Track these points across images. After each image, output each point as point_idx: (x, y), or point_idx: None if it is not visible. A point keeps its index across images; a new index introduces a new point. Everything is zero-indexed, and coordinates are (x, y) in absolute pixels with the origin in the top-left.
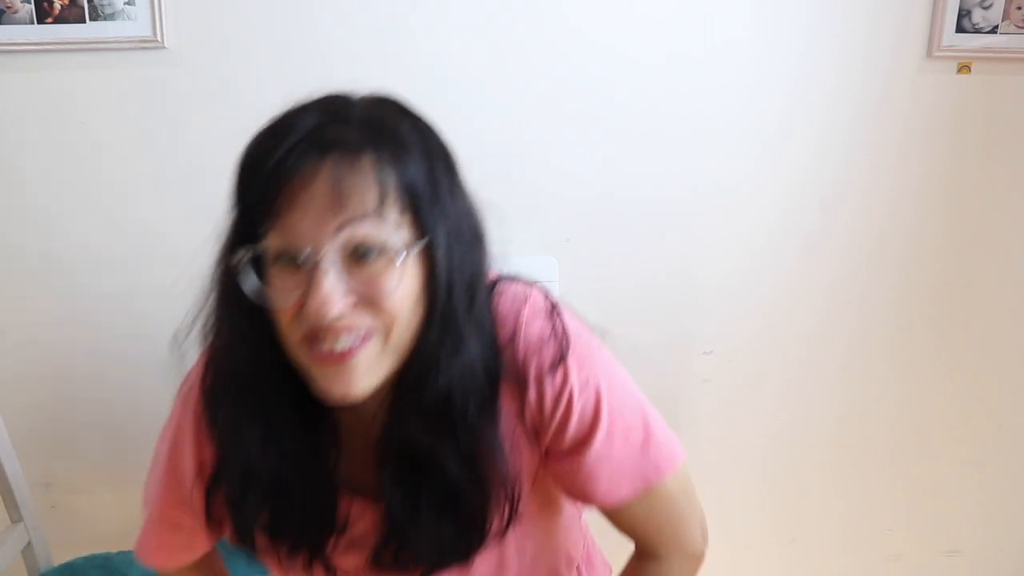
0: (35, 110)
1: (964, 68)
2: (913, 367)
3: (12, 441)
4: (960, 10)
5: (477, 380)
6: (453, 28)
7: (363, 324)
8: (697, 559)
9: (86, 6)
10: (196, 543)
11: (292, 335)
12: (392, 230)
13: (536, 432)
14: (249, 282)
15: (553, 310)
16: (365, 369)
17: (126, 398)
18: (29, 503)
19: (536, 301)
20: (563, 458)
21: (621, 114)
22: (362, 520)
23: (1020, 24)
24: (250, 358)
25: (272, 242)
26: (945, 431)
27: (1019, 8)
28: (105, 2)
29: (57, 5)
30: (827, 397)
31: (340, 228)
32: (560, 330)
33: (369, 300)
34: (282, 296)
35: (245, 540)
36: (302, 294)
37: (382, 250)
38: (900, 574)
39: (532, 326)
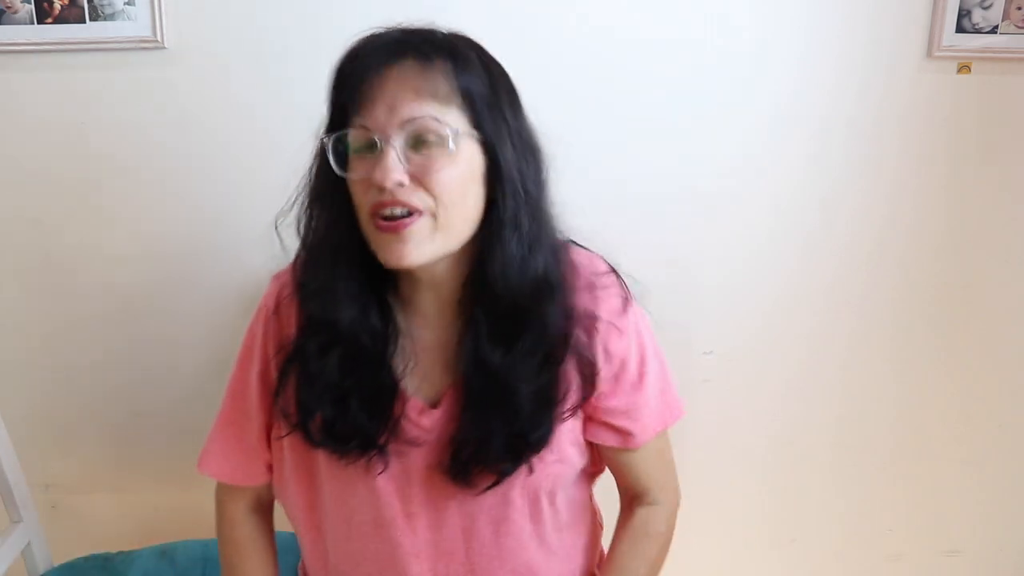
0: (35, 110)
1: (964, 68)
2: (913, 367)
3: (12, 442)
4: (960, 10)
5: (560, 266)
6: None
7: (415, 201)
8: (678, 505)
9: (86, 6)
10: (251, 463)
11: (363, 207)
12: (448, 123)
13: (592, 373)
14: (335, 158)
15: (612, 268)
16: (416, 242)
17: (126, 399)
18: (29, 504)
19: (602, 260)
20: (622, 397)
21: (620, 114)
22: (419, 422)
23: (1020, 24)
24: (336, 231)
25: (354, 132)
26: (945, 431)
27: (1019, 8)
28: (105, 2)
29: (57, 5)
30: (827, 397)
31: (405, 119)
32: (623, 282)
33: (421, 179)
34: (357, 172)
35: (305, 421)
36: (372, 173)
37: (437, 140)
38: (900, 574)
39: (607, 273)
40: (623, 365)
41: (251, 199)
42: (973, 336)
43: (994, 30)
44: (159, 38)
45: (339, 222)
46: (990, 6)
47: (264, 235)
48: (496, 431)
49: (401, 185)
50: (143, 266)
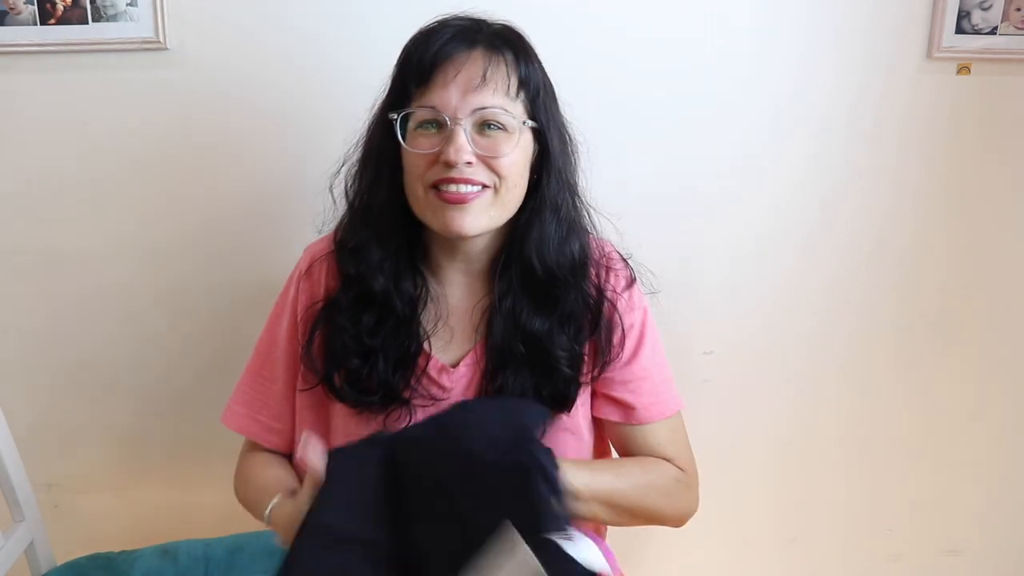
0: (37, 111)
1: (964, 69)
2: (913, 367)
3: (15, 441)
4: (960, 11)
5: (589, 247)
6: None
7: (481, 177)
8: (696, 480)
9: (88, 7)
10: (269, 419)
11: (423, 181)
12: (514, 113)
13: (596, 348)
14: (401, 133)
15: (619, 252)
16: (475, 213)
17: (129, 399)
18: (32, 503)
19: (609, 243)
20: (618, 369)
21: (619, 114)
22: (438, 379)
23: (1019, 25)
24: (384, 198)
25: (422, 110)
26: (945, 431)
27: (1018, 9)
28: (107, 3)
29: (60, 6)
30: (827, 397)
31: (478, 104)
32: (628, 264)
33: (487, 160)
34: (422, 149)
35: (331, 373)
36: (439, 150)
37: (504, 126)
38: (900, 574)
39: (614, 254)
40: (623, 336)
41: (254, 200)
42: (973, 336)
43: (993, 31)
44: (161, 39)
45: (388, 190)
46: (989, 7)
47: (267, 235)
48: (530, 390)
49: (469, 164)
50: (145, 267)
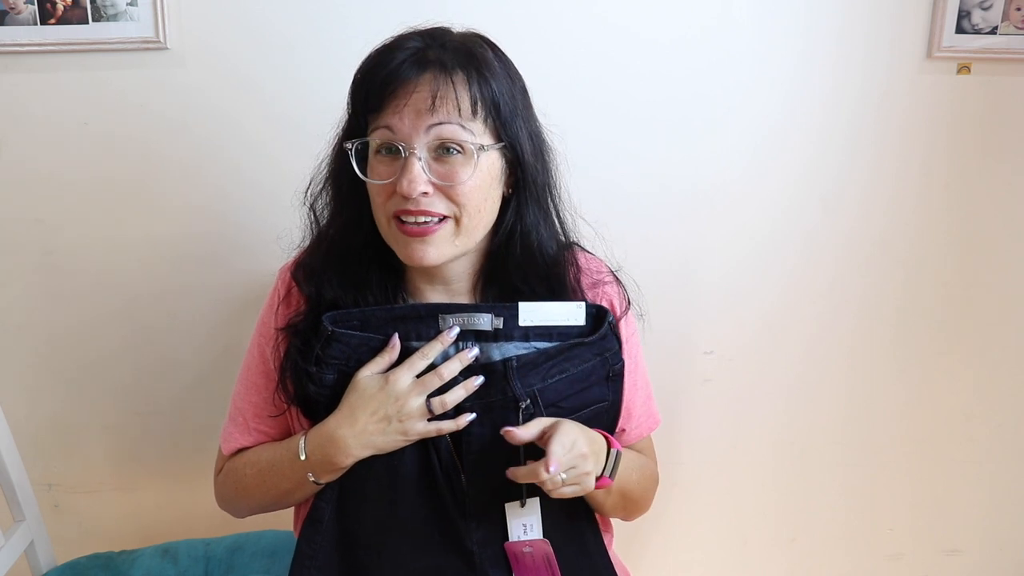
0: (38, 111)
1: (964, 69)
2: (913, 367)
3: (15, 441)
4: (960, 11)
5: (558, 250)
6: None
7: (439, 209)
8: (657, 484)
9: (89, 7)
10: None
11: (384, 212)
12: (473, 134)
13: None
14: (358, 164)
15: (614, 273)
16: (438, 244)
17: (129, 399)
18: (32, 503)
19: (605, 264)
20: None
21: (620, 114)
22: None
23: (1019, 25)
24: (347, 228)
25: (377, 137)
26: (945, 430)
27: (1018, 9)
28: (108, 3)
29: (60, 6)
30: (828, 397)
31: (430, 128)
32: (623, 288)
33: (444, 190)
34: (380, 177)
35: (307, 387)
36: (396, 179)
37: (462, 149)
38: (900, 574)
39: (608, 278)
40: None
41: (254, 200)
42: (973, 336)
43: (994, 31)
44: (162, 39)
45: (355, 218)
46: (990, 7)
47: (267, 234)
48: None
49: (425, 195)
50: (146, 266)
